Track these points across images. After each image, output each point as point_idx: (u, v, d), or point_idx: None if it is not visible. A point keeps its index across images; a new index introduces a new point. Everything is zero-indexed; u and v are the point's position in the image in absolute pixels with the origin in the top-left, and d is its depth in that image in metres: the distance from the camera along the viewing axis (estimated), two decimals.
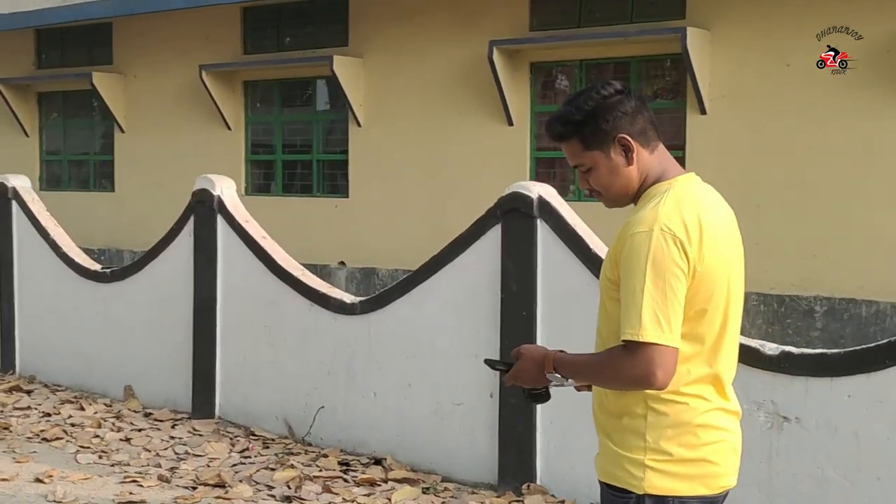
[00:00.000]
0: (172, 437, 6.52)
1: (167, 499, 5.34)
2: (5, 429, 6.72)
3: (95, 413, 7.14)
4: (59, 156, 15.91)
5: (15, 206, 8.49)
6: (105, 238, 14.50)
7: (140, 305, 7.50)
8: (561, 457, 5.25)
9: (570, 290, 5.18)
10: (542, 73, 11.50)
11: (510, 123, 11.23)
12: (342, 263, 12.48)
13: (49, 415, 7.14)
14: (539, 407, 5.10)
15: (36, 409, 7.32)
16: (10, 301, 8.53)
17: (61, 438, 6.52)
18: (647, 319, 2.17)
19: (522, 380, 2.47)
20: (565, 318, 5.17)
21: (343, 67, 12.11)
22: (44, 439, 6.50)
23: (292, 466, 5.82)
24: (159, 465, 5.92)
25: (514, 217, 5.34)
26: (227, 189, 6.97)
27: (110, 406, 7.38)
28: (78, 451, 6.25)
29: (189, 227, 7.09)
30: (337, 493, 5.37)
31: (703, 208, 2.29)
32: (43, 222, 8.33)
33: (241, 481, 5.59)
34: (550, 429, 5.28)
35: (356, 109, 12.34)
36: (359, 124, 12.44)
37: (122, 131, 14.73)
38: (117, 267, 8.68)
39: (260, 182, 13.78)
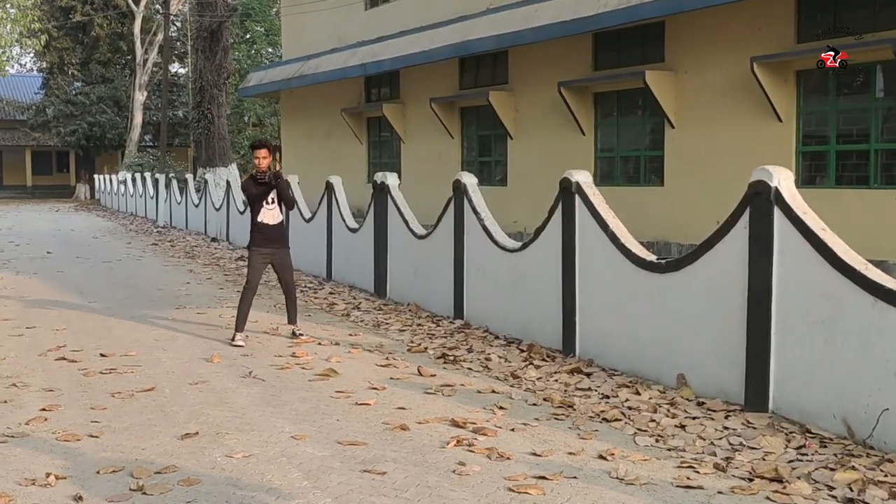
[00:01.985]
0: (726, 428, 6.54)
1: (724, 487, 5.37)
2: (570, 406, 7.21)
3: (650, 398, 7.39)
4: (612, 152, 16.67)
5: (577, 199, 9.06)
6: (654, 231, 14.90)
7: (694, 295, 7.62)
8: None
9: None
10: None
11: None
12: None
13: (608, 397, 7.53)
14: None
15: (595, 390, 7.76)
16: (572, 288, 9.13)
17: (620, 420, 6.84)
18: None
19: None
20: None
21: None
22: (604, 419, 6.87)
23: (854, 468, 5.56)
24: (714, 454, 5.98)
25: None
26: (784, 180, 6.82)
27: (664, 393, 7.58)
28: (636, 433, 6.51)
29: (745, 218, 7.05)
30: None
31: None
32: (602, 214, 8.79)
33: (798, 478, 5.46)
34: None
35: None
36: None
37: (672, 127, 15.04)
38: (671, 258, 8.88)
39: (811, 174, 13.29)
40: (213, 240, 23.38)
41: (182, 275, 16.40)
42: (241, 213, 20.85)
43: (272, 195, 10.10)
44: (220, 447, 6.11)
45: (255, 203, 10.14)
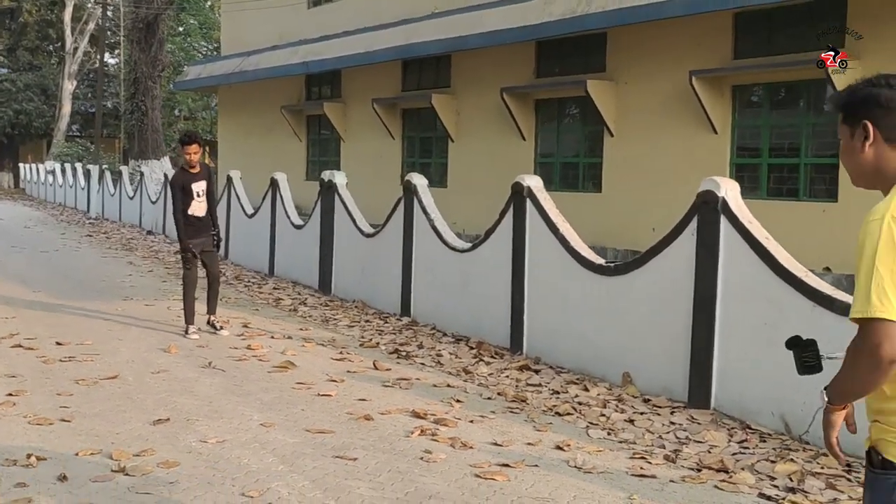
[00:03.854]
0: (672, 423, 6.94)
1: (675, 476, 5.75)
2: (523, 401, 7.56)
3: (598, 395, 7.78)
4: (552, 158, 17.10)
5: (529, 203, 9.42)
6: (591, 236, 15.27)
7: (641, 298, 8.02)
8: None
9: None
10: None
11: None
12: (827, 269, 12.22)
13: (558, 393, 7.89)
14: None
15: (545, 386, 8.12)
16: (521, 288, 9.48)
17: (572, 414, 7.21)
18: (873, 297, 2.35)
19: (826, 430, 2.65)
20: None
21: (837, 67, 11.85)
22: (557, 413, 7.23)
23: (792, 461, 5.99)
24: (663, 447, 6.37)
25: None
26: (731, 191, 7.27)
27: (610, 390, 7.97)
28: (588, 426, 6.88)
29: (692, 226, 7.47)
30: (842, 491, 5.45)
31: None
32: (553, 218, 9.17)
33: (742, 469, 5.87)
34: None
35: None
36: None
37: (612, 135, 15.52)
38: (619, 261, 9.29)
39: (744, 185, 13.83)
40: (149, 233, 23.30)
41: (123, 266, 16.40)
42: None
43: (201, 189, 10.31)
44: (193, 433, 6.31)
45: (185, 196, 10.29)
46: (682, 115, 14.31)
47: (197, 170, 10.31)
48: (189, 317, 10.18)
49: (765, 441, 6.52)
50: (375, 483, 5.42)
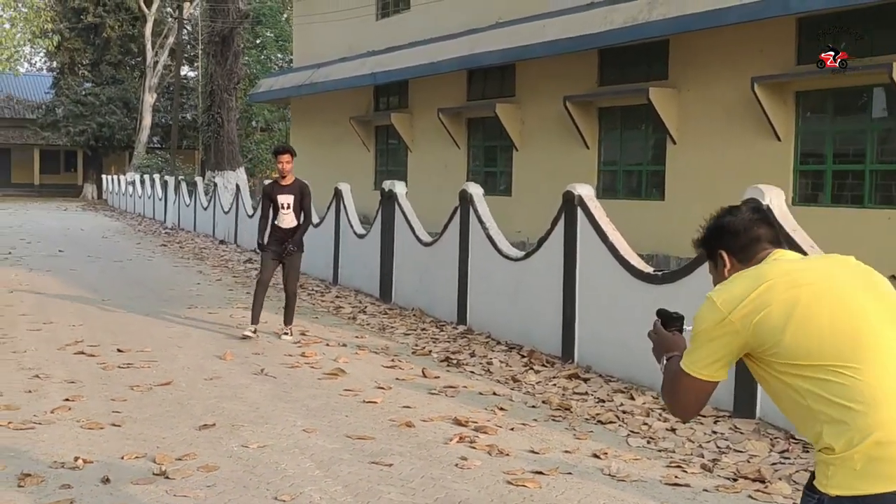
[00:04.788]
0: (714, 432, 6.90)
1: (709, 486, 5.73)
2: (567, 409, 7.57)
3: (644, 403, 7.76)
4: (615, 166, 17.06)
5: (579, 211, 9.44)
6: (653, 244, 15.27)
7: (687, 307, 7.96)
8: None
9: None
10: None
11: None
12: (893, 277, 11.98)
13: (603, 401, 7.89)
14: None
15: (592, 395, 8.12)
16: (572, 296, 9.50)
17: (614, 422, 7.20)
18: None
19: (654, 347, 3.11)
20: None
21: None
22: (599, 421, 7.23)
23: None
24: (702, 456, 6.34)
25: None
26: (775, 198, 7.20)
27: (657, 398, 7.93)
28: (629, 434, 6.88)
29: None
30: None
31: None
32: (603, 227, 9.17)
33: (780, 479, 5.82)
34: None
35: None
36: None
37: (674, 143, 15.43)
38: (667, 270, 9.25)
39: (808, 192, 13.66)
40: (222, 242, 23.77)
41: (192, 275, 16.78)
42: (250, 216, 21.26)
43: (288, 201, 10.54)
44: (236, 438, 6.47)
45: (272, 207, 10.64)
46: (744, 121, 14.17)
47: (287, 182, 10.66)
48: (253, 317, 10.55)
49: (807, 451, 6.44)
50: (407, 488, 5.51)
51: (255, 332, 10.43)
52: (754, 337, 2.63)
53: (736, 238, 2.87)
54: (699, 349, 2.72)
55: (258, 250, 10.80)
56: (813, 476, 2.66)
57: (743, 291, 2.66)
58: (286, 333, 10.55)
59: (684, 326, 3.00)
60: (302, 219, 10.77)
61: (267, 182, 11.33)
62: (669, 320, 3.05)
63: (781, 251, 2.86)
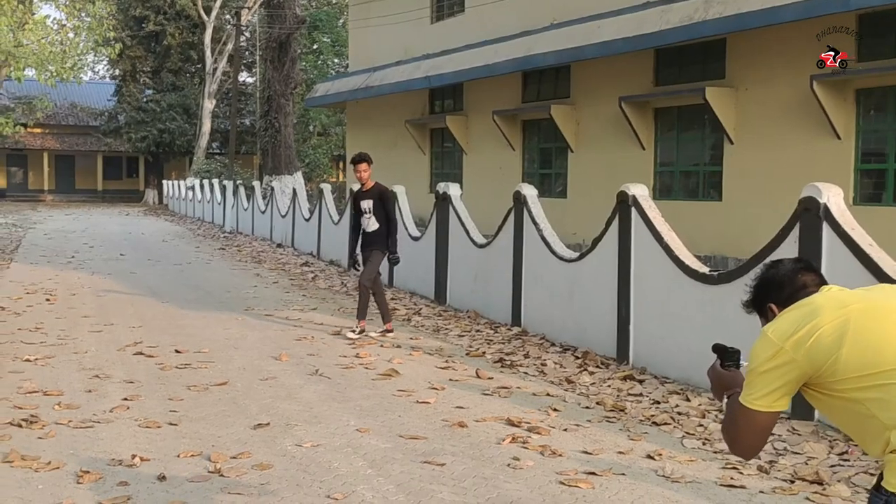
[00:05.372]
0: (772, 434, 6.76)
1: (766, 487, 5.65)
2: (621, 410, 7.52)
3: (699, 405, 7.67)
4: (671, 167, 16.91)
5: (634, 211, 9.36)
6: (711, 245, 15.11)
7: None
8: None
9: None
10: None
11: None
12: None
13: (658, 402, 7.82)
14: None
15: (647, 396, 8.05)
16: (627, 297, 9.42)
17: (669, 424, 7.13)
18: None
19: (713, 385, 3.04)
20: None
21: None
22: (654, 423, 7.17)
23: None
24: (759, 458, 6.24)
25: None
26: (833, 197, 7.08)
27: (712, 400, 7.83)
28: (684, 436, 6.80)
29: (794, 233, 7.31)
30: None
31: None
32: (658, 227, 9.08)
33: (839, 481, 5.72)
34: None
35: None
36: None
37: (731, 143, 15.25)
38: (724, 270, 9.13)
39: (870, 192, 13.42)
40: (279, 246, 23.97)
41: (249, 278, 16.96)
42: (307, 220, 21.44)
43: (368, 206, 11.04)
44: (290, 437, 6.52)
45: (357, 212, 11.19)
46: (803, 120, 13.97)
47: (367, 187, 11.08)
48: (358, 315, 10.99)
49: (866, 454, 6.31)
50: (459, 488, 5.50)
51: (353, 330, 10.87)
52: (809, 362, 2.66)
53: (781, 290, 2.92)
54: (756, 381, 2.74)
55: (353, 268, 11.39)
56: (881, 477, 2.65)
57: (794, 321, 2.72)
58: (385, 331, 10.93)
59: (741, 361, 3.00)
60: (387, 223, 11.12)
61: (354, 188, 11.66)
62: (725, 355, 3.04)
63: (829, 286, 2.89)
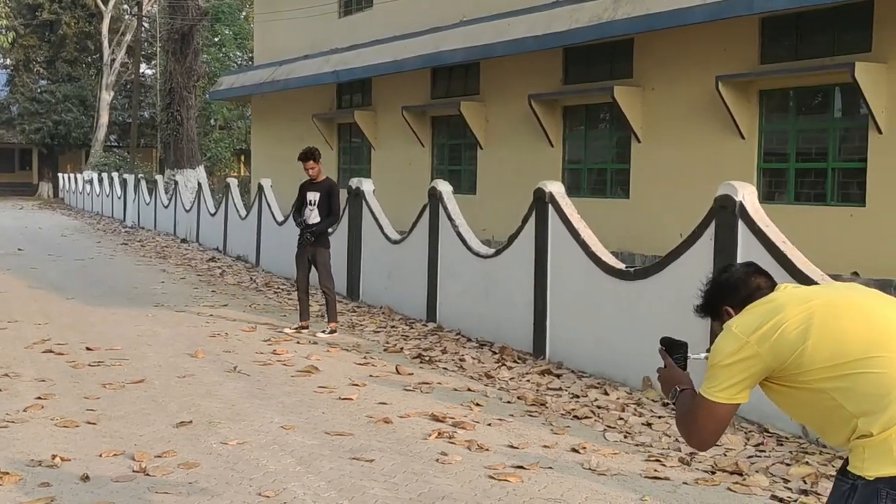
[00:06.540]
0: None
1: (689, 479, 5.79)
2: (542, 405, 7.62)
3: (618, 398, 7.82)
4: (580, 164, 17.14)
5: (551, 208, 9.48)
6: (618, 242, 15.35)
7: (661, 302, 8.05)
8: None
9: None
10: None
11: None
12: (855, 274, 12.17)
13: (578, 396, 7.94)
14: None
15: (566, 390, 8.17)
16: (544, 293, 9.54)
17: (590, 417, 7.26)
18: None
19: (663, 380, 3.08)
20: None
21: (865, 74, 11.83)
22: (575, 417, 7.28)
23: (807, 464, 6.01)
24: (679, 450, 6.39)
25: None
26: (749, 195, 7.29)
27: (630, 394, 8.01)
28: (605, 429, 6.93)
29: (710, 230, 7.50)
30: None
31: None
32: (574, 224, 9.22)
33: (757, 471, 5.90)
34: None
35: (877, 116, 11.98)
36: (879, 131, 12.06)
37: (639, 141, 15.54)
38: (640, 266, 9.32)
39: (771, 190, 13.83)
40: (183, 241, 23.57)
41: (156, 274, 16.64)
42: (213, 215, 21.14)
43: (314, 198, 10.96)
44: (215, 435, 6.44)
45: (302, 202, 11.10)
46: (709, 120, 14.30)
47: (319, 180, 11.06)
48: (300, 315, 11.04)
49: (781, 444, 6.53)
50: (390, 483, 5.51)
51: (292, 326, 11.08)
52: (773, 356, 2.72)
53: (736, 292, 2.97)
54: (718, 374, 2.78)
55: (296, 225, 11.29)
56: (846, 462, 2.74)
57: (758, 316, 2.79)
58: (324, 331, 10.77)
59: (690, 354, 3.06)
60: (327, 217, 11.06)
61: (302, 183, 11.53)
62: (673, 347, 3.08)
63: (785, 284, 2.98)
